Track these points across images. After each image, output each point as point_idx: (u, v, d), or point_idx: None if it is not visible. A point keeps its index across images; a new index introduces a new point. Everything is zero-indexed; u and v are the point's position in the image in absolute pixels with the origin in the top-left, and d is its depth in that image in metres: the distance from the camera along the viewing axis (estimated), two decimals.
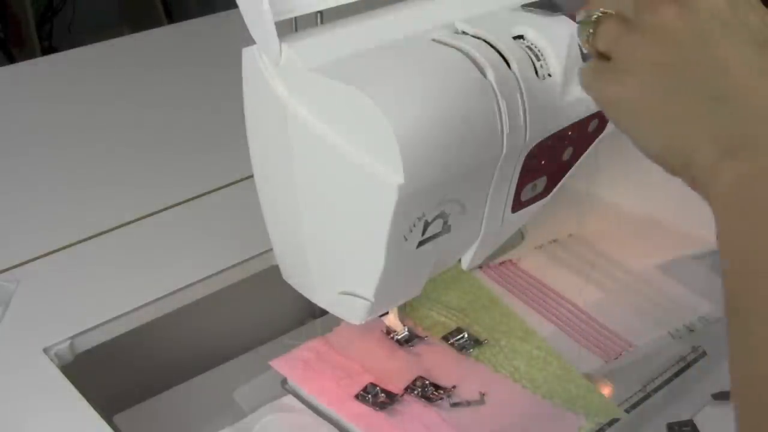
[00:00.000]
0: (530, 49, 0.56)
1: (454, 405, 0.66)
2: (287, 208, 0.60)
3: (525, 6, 0.61)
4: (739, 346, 0.38)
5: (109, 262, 0.76)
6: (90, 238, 0.79)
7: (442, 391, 0.66)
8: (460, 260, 0.66)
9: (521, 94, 0.55)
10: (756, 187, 0.38)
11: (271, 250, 0.67)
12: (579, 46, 0.47)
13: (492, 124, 0.54)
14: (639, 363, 0.72)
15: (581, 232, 0.88)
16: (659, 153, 0.43)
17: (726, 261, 0.39)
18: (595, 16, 0.44)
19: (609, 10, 0.44)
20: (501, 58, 0.55)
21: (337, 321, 0.70)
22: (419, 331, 0.73)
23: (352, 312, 0.62)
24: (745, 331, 0.37)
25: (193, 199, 0.84)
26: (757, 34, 0.41)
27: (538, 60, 0.56)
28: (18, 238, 0.79)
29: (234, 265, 0.76)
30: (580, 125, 0.61)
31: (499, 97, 0.53)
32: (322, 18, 0.57)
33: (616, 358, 0.72)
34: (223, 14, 1.25)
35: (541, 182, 0.63)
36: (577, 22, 0.45)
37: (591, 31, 0.44)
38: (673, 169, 0.43)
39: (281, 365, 0.68)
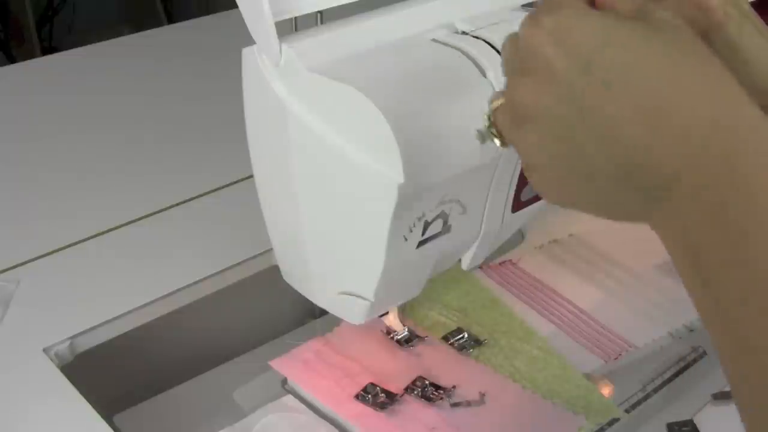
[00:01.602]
0: None
1: (454, 405, 0.66)
2: (287, 208, 0.60)
3: (525, 6, 0.61)
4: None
5: (109, 262, 0.76)
6: (90, 238, 0.79)
7: (442, 391, 0.66)
8: (460, 260, 0.66)
9: None
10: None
11: (271, 250, 0.67)
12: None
13: None
14: (639, 363, 0.72)
15: (581, 232, 0.88)
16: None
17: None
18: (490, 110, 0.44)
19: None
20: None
21: (337, 321, 0.70)
22: (419, 331, 0.73)
23: (352, 312, 0.62)
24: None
25: (193, 199, 0.84)
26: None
27: None
28: (18, 238, 0.79)
29: (234, 265, 0.76)
30: None
31: None
32: (322, 18, 0.57)
33: (616, 358, 0.72)
34: (223, 14, 1.25)
35: None
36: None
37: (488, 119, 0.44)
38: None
39: (281, 365, 0.68)
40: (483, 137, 0.45)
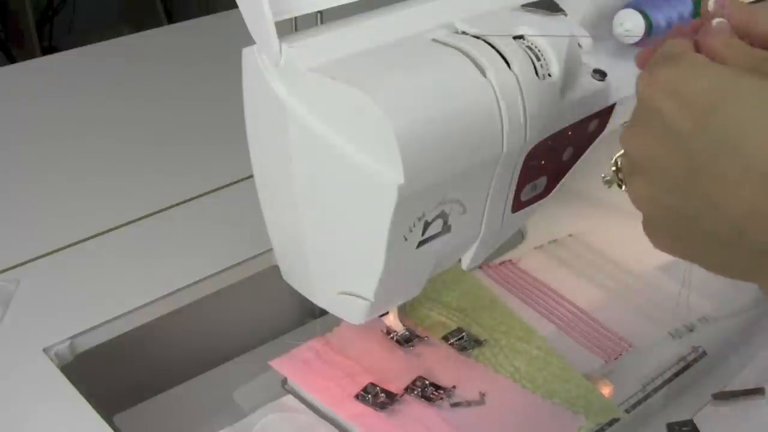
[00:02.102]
0: (530, 49, 0.56)
1: (454, 405, 0.66)
2: (287, 208, 0.60)
3: (525, 6, 0.61)
4: None
5: (109, 262, 0.76)
6: (90, 238, 0.79)
7: (442, 391, 0.66)
8: (460, 260, 0.66)
9: (521, 94, 0.54)
10: None
11: (271, 250, 0.67)
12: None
13: (492, 124, 0.54)
14: (639, 363, 0.72)
15: (581, 232, 0.88)
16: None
17: None
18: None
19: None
20: (501, 58, 0.55)
21: (337, 321, 0.70)
22: (419, 331, 0.73)
23: (352, 312, 0.62)
24: None
25: (193, 198, 0.84)
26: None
27: (538, 60, 0.56)
28: (18, 238, 0.79)
29: (234, 265, 0.76)
30: (580, 125, 0.61)
31: (499, 97, 0.53)
32: (322, 18, 0.57)
33: (616, 358, 0.72)
34: (223, 14, 1.25)
35: (541, 182, 0.63)
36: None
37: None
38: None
39: (281, 365, 0.68)
40: (609, 182, 0.45)
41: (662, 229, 0.42)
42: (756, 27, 0.41)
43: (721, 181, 0.37)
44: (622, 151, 0.43)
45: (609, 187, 0.45)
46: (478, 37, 0.56)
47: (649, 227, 0.42)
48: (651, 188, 0.40)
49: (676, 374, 0.71)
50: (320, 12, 0.56)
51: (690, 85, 0.38)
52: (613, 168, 0.45)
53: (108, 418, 0.63)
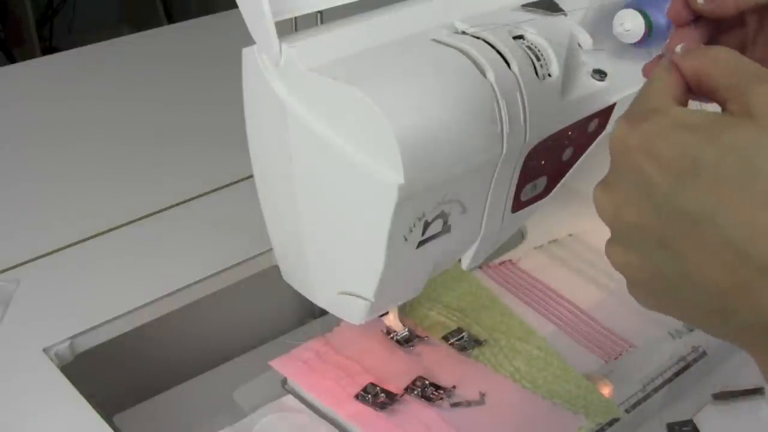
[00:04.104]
0: (530, 49, 0.56)
1: (454, 405, 0.66)
2: (287, 208, 0.60)
3: (525, 6, 0.61)
4: None
5: (109, 262, 0.76)
6: (90, 238, 0.79)
7: (442, 391, 0.66)
8: (460, 260, 0.66)
9: (521, 94, 0.54)
10: None
11: (271, 250, 0.67)
12: None
13: (492, 125, 0.54)
14: (639, 363, 0.72)
15: (581, 232, 0.88)
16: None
17: None
18: None
19: None
20: (501, 58, 0.55)
21: (337, 321, 0.70)
22: (419, 331, 0.73)
23: (352, 312, 0.62)
24: None
25: (193, 198, 0.84)
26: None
27: (538, 60, 0.56)
28: (18, 238, 0.79)
29: (234, 265, 0.76)
30: (580, 125, 0.61)
31: (499, 97, 0.53)
32: (322, 18, 0.57)
33: (616, 358, 0.72)
34: (223, 14, 1.25)
35: (541, 182, 0.63)
36: None
37: None
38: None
39: (281, 365, 0.68)
40: None
41: (646, 294, 0.39)
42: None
43: (699, 252, 0.35)
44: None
45: None
46: (478, 37, 0.56)
47: (632, 290, 0.40)
48: (627, 254, 0.38)
49: (676, 374, 0.71)
50: (320, 12, 0.56)
51: (667, 147, 0.35)
52: None
53: (108, 418, 0.63)
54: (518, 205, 0.63)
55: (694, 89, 0.39)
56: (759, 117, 0.35)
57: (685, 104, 0.39)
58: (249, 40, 0.54)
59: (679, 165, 0.35)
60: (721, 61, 0.38)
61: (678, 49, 0.40)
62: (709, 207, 0.34)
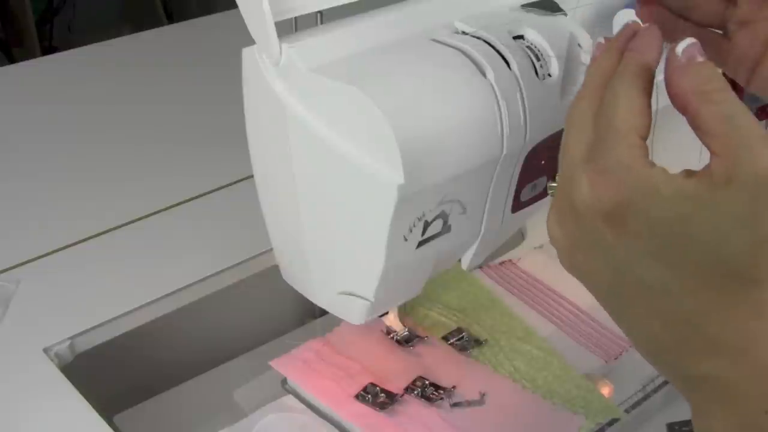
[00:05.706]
0: (530, 49, 0.56)
1: (454, 405, 0.66)
2: (287, 208, 0.60)
3: (525, 6, 0.61)
4: None
5: (109, 262, 0.76)
6: (90, 238, 0.79)
7: (442, 391, 0.66)
8: (460, 260, 0.66)
9: (521, 94, 0.54)
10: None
11: (271, 250, 0.67)
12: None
13: (492, 125, 0.54)
14: (639, 363, 0.72)
15: None
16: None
17: None
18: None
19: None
20: (501, 58, 0.55)
21: (337, 321, 0.70)
22: (419, 331, 0.73)
23: (352, 312, 0.62)
24: None
25: (193, 199, 0.84)
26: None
27: (538, 60, 0.56)
28: (18, 238, 0.79)
29: (234, 265, 0.76)
30: None
31: (499, 98, 0.53)
32: (322, 18, 0.57)
33: (616, 358, 0.72)
34: (223, 14, 1.25)
35: (541, 182, 0.63)
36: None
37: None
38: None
39: (281, 365, 0.68)
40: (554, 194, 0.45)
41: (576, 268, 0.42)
42: None
43: (644, 308, 0.38)
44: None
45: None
46: (478, 37, 0.56)
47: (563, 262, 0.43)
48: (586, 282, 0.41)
49: None
50: (320, 12, 0.56)
51: (635, 221, 0.36)
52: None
53: (108, 418, 0.63)
54: (518, 205, 0.63)
55: (677, 107, 0.38)
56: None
57: (647, 134, 0.38)
58: (249, 40, 0.54)
59: (644, 241, 0.36)
60: (714, 104, 0.36)
61: (679, 50, 0.38)
62: (668, 280, 0.36)
